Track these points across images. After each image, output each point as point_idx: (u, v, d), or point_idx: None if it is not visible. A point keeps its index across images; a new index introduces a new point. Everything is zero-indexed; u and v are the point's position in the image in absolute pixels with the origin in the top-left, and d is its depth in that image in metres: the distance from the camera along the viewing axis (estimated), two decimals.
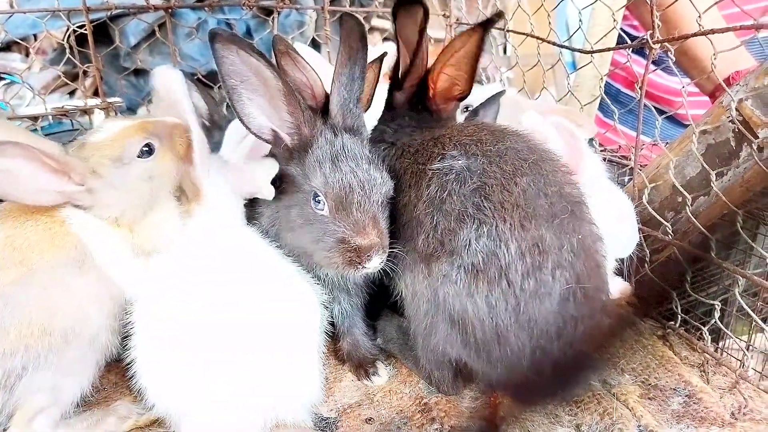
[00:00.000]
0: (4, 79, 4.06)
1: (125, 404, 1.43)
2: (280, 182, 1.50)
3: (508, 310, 1.26)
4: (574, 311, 1.29)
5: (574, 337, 1.30)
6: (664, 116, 1.83)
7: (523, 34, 2.37)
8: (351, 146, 1.39)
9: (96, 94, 2.83)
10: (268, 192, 1.49)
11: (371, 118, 1.73)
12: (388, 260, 1.39)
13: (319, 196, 1.36)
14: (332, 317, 1.59)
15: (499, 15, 1.59)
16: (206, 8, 3.72)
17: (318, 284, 1.49)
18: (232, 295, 1.32)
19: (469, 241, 1.28)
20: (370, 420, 1.46)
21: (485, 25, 1.53)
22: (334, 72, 1.42)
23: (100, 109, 2.74)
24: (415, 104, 1.71)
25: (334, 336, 1.64)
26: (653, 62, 1.73)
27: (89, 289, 1.35)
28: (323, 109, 1.48)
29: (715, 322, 1.59)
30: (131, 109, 4.49)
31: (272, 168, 1.43)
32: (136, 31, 4.30)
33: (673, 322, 1.76)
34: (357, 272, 1.38)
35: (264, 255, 1.44)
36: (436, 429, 1.41)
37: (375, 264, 1.35)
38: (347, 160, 1.36)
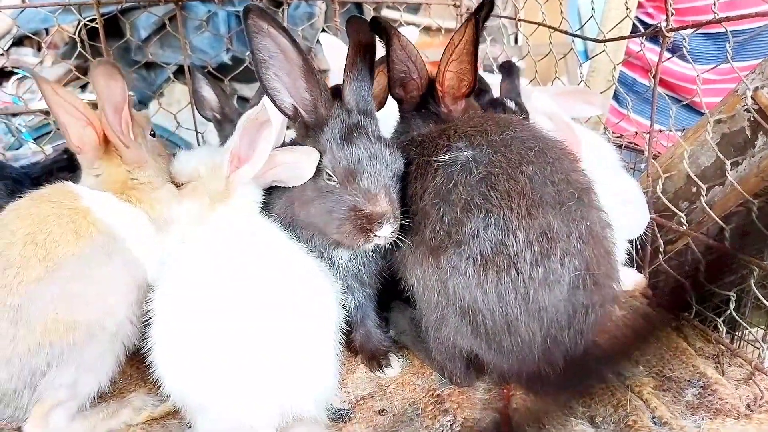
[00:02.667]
0: (17, 73, 4.08)
1: (140, 396, 1.45)
2: None
3: (518, 299, 1.25)
4: (584, 299, 1.28)
5: (586, 325, 1.30)
6: (680, 104, 1.81)
7: (535, 23, 2.34)
8: (363, 125, 1.44)
9: None
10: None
11: (384, 116, 1.73)
12: (399, 234, 1.40)
13: (331, 169, 1.40)
14: (346, 309, 1.59)
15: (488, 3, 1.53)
16: (216, 1, 3.72)
17: (332, 272, 1.51)
18: (253, 288, 1.33)
19: (477, 231, 1.27)
20: (382, 411, 1.47)
21: (477, 13, 1.49)
22: (345, 64, 1.45)
23: None
24: (423, 110, 1.67)
25: (347, 328, 1.65)
26: (668, 50, 1.70)
27: (115, 276, 1.38)
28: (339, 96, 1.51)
29: (731, 312, 1.57)
30: (142, 102, 4.51)
31: (316, 154, 1.46)
32: (146, 25, 4.31)
33: (687, 313, 1.75)
34: (368, 242, 1.38)
35: (286, 250, 1.45)
36: (449, 421, 1.41)
37: (386, 232, 1.36)
38: (359, 137, 1.41)
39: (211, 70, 2.82)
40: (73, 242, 1.33)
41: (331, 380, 1.40)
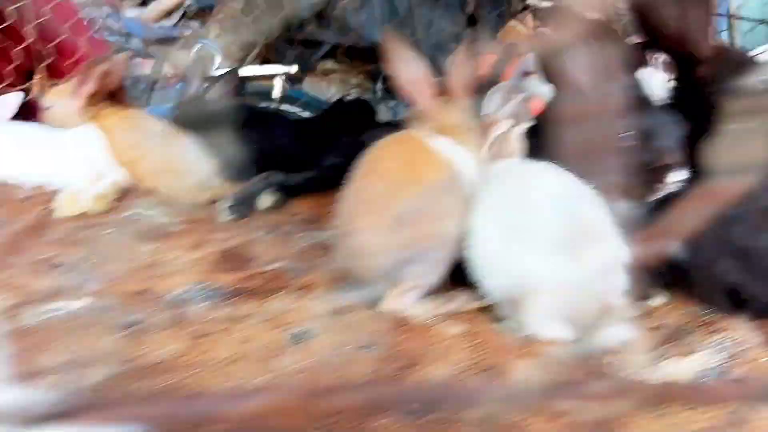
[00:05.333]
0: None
1: (466, 292, 1.76)
2: None
3: None
4: None
5: None
6: None
7: None
8: None
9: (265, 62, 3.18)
10: None
11: None
12: None
13: None
14: None
15: None
16: None
17: None
18: (561, 197, 1.61)
19: None
20: None
21: None
22: None
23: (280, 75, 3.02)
24: None
25: None
26: None
27: (458, 202, 1.76)
28: None
29: None
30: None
31: None
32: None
33: None
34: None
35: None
36: None
37: None
38: None
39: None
40: (435, 172, 1.75)
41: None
